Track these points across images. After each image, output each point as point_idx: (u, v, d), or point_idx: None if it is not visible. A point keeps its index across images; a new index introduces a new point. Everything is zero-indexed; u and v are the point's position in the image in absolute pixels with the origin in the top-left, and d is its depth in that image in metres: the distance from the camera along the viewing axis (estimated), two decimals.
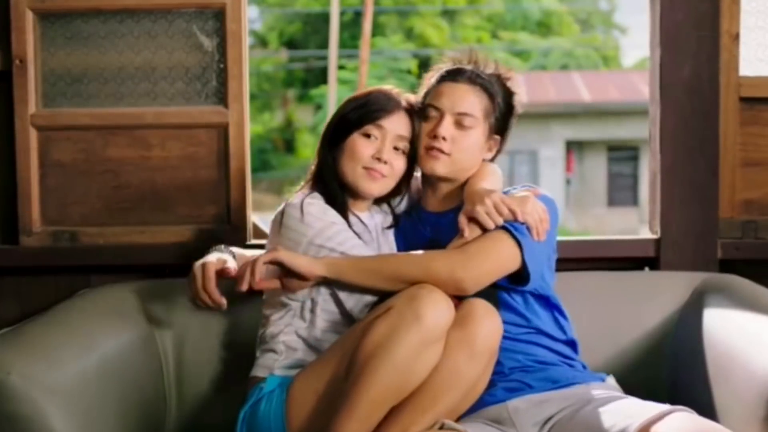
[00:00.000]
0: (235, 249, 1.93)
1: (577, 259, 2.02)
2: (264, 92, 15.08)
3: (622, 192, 15.90)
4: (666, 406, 1.57)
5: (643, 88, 13.66)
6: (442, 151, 1.84)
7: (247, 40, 2.34)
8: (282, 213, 1.81)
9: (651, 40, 2.35)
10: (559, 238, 1.96)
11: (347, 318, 1.79)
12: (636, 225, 14.54)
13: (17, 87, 2.28)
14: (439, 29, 15.79)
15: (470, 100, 1.87)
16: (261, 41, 16.03)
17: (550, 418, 1.73)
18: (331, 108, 12.61)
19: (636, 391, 1.80)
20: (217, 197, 2.31)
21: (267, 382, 1.76)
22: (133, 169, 2.31)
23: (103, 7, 2.28)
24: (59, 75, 2.31)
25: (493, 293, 1.80)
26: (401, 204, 2.01)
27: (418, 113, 1.89)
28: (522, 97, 1.95)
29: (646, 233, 2.41)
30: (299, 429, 1.71)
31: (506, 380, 1.78)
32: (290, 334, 1.81)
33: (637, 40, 22.12)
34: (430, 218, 1.93)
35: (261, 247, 2.03)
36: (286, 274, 1.74)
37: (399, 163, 1.87)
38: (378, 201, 1.95)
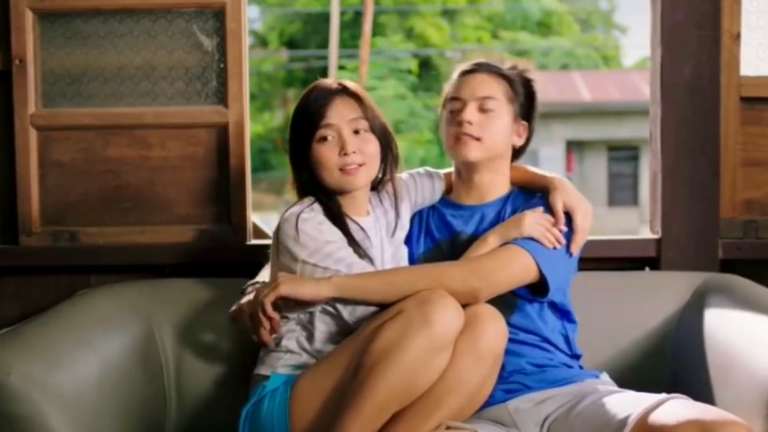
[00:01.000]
0: (259, 278, 1.91)
1: (578, 259, 2.00)
2: (264, 92, 15.07)
3: (622, 192, 15.90)
4: (662, 395, 1.58)
5: (643, 88, 13.68)
6: (472, 137, 1.84)
7: (247, 40, 2.34)
8: (278, 229, 1.78)
9: (652, 39, 2.35)
10: None
11: (346, 329, 1.76)
12: (636, 225, 14.55)
13: (17, 87, 2.28)
14: (439, 29, 15.78)
15: (491, 85, 1.87)
16: (261, 41, 16.03)
17: (548, 416, 1.74)
18: None
19: (636, 391, 1.78)
20: (217, 197, 2.30)
21: (271, 380, 1.75)
22: (133, 168, 2.31)
23: (102, 6, 2.28)
24: (59, 75, 2.30)
25: (512, 299, 1.81)
26: (428, 200, 2.00)
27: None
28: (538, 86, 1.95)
29: (646, 233, 2.40)
30: (302, 428, 1.69)
31: (505, 382, 1.79)
32: (292, 340, 1.80)
33: (637, 39, 22.13)
34: (464, 212, 1.93)
35: (261, 247, 2.03)
36: (295, 301, 1.71)
37: (369, 145, 1.82)
38: (374, 187, 1.93)
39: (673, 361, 2.07)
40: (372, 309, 1.73)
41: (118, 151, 2.31)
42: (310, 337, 1.79)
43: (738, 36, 2.29)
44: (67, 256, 2.30)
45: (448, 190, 2.01)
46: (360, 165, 1.81)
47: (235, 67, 2.27)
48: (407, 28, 15.82)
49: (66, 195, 2.31)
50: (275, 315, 1.70)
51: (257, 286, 1.83)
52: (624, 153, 15.89)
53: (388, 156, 1.89)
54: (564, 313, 1.89)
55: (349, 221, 1.83)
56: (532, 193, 1.91)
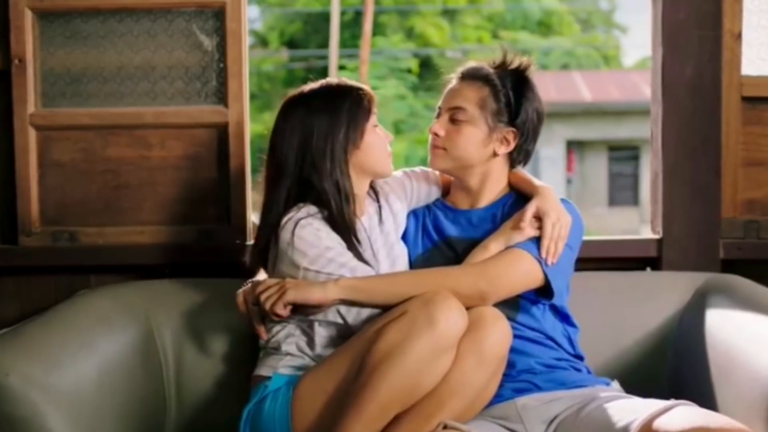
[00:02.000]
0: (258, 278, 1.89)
1: (579, 259, 2.00)
2: (265, 92, 15.08)
3: (622, 192, 15.91)
4: (669, 402, 1.58)
5: (643, 88, 13.68)
6: (438, 147, 1.90)
7: (247, 40, 2.33)
8: (277, 236, 1.77)
9: (653, 39, 2.34)
10: None
11: (347, 333, 1.75)
12: (637, 225, 14.55)
13: (16, 86, 2.27)
14: (439, 29, 15.78)
15: (463, 95, 1.88)
16: (261, 41, 16.03)
17: (557, 416, 1.74)
18: None
19: (638, 391, 1.80)
20: (217, 197, 2.30)
21: (273, 381, 1.75)
22: (132, 168, 2.30)
23: (102, 6, 2.27)
24: (58, 74, 2.30)
25: (516, 300, 1.82)
26: (423, 200, 2.00)
27: None
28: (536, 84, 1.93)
29: (647, 233, 2.40)
30: (304, 428, 1.69)
31: (514, 381, 1.79)
32: (291, 344, 1.80)
33: (637, 39, 22.14)
34: (457, 216, 1.94)
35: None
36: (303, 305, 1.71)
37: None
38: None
39: (674, 362, 2.07)
40: (377, 313, 1.72)
41: (117, 151, 2.30)
42: (311, 342, 1.78)
43: (739, 35, 2.28)
44: (66, 256, 2.30)
45: (446, 192, 2.01)
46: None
47: (235, 67, 2.27)
48: (407, 28, 15.82)
49: (66, 195, 2.31)
50: (284, 314, 1.70)
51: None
52: (624, 153, 15.89)
53: None
54: (564, 316, 1.90)
55: (357, 221, 1.83)
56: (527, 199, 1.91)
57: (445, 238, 1.93)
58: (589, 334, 1.99)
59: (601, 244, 2.32)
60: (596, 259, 2.27)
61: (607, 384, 1.85)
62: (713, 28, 2.26)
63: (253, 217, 2.35)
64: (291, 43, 15.99)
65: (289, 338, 1.79)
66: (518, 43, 15.97)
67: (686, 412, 1.54)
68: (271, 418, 1.71)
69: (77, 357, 1.75)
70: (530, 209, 1.79)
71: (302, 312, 1.73)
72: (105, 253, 2.29)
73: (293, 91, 1.88)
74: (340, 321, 1.75)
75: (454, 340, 1.62)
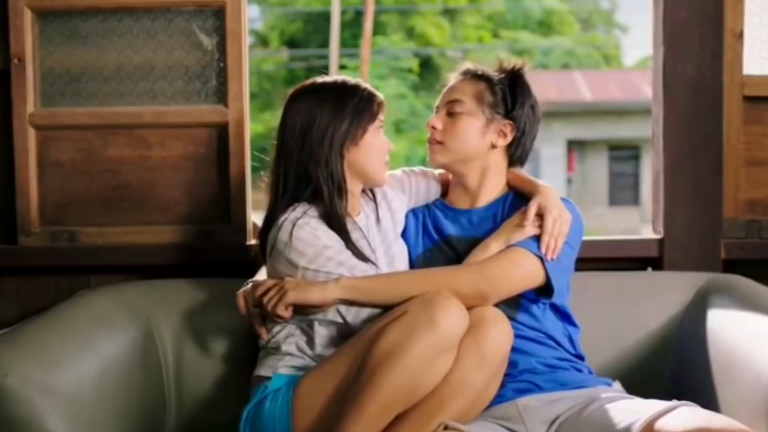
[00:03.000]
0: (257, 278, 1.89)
1: (580, 259, 2.00)
2: (265, 91, 15.09)
3: (623, 191, 15.92)
4: (671, 402, 1.58)
5: (644, 87, 13.69)
6: (436, 141, 1.90)
7: (247, 39, 2.33)
8: (276, 238, 1.76)
9: (654, 38, 2.34)
10: None
11: (347, 333, 1.75)
12: (637, 224, 14.56)
13: (15, 86, 2.27)
14: (440, 28, 15.79)
15: (460, 89, 1.91)
16: (262, 40, 16.03)
17: (558, 417, 1.73)
18: None
19: (639, 392, 1.80)
20: (217, 197, 2.29)
21: (273, 381, 1.75)
22: (132, 168, 2.30)
23: (101, 5, 2.27)
24: (58, 74, 2.30)
25: (517, 299, 1.82)
26: (422, 198, 2.00)
27: None
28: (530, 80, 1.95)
29: (648, 233, 2.39)
30: (304, 429, 1.69)
31: (516, 381, 1.79)
32: (291, 344, 1.79)
33: (638, 39, 22.16)
34: (457, 216, 1.94)
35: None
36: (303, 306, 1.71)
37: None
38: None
39: (675, 362, 2.07)
40: (377, 312, 1.72)
41: (117, 151, 2.30)
42: (310, 342, 1.78)
43: (741, 35, 2.28)
44: (66, 256, 2.29)
45: (445, 193, 2.01)
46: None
47: (235, 67, 2.26)
48: (408, 28, 15.83)
49: (65, 195, 2.30)
50: (286, 315, 1.70)
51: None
52: (625, 152, 15.90)
53: None
54: (564, 316, 1.89)
55: (348, 220, 1.82)
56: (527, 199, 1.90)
57: (445, 237, 1.93)
58: (590, 334, 1.99)
59: (603, 244, 2.32)
60: (597, 259, 2.27)
61: (609, 384, 1.84)
62: (714, 28, 2.26)
63: (253, 217, 2.34)
64: (291, 43, 15.99)
65: (288, 338, 1.79)
66: (519, 43, 16.00)
67: (688, 413, 1.53)
68: (271, 418, 1.71)
69: (77, 357, 1.74)
70: (532, 207, 1.79)
71: (302, 312, 1.73)
72: (105, 253, 2.29)
73: (307, 80, 1.89)
74: (339, 320, 1.74)
75: (454, 341, 1.61)
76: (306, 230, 1.74)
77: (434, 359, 1.59)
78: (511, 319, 1.76)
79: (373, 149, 1.83)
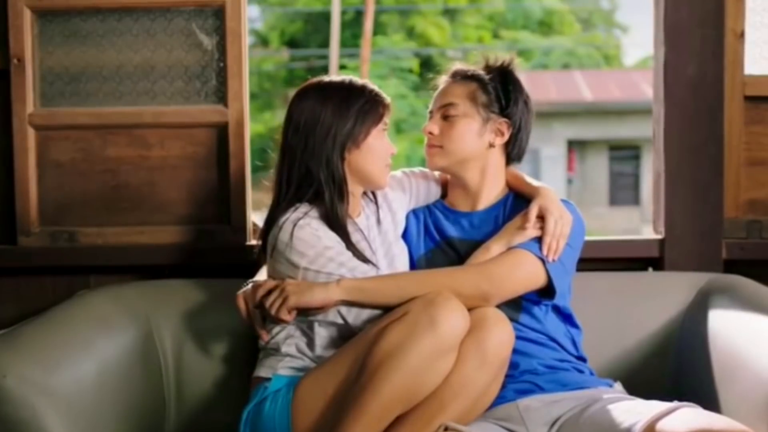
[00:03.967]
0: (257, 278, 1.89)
1: (581, 259, 2.00)
2: (265, 91, 15.09)
3: (623, 191, 15.91)
4: (672, 403, 1.58)
5: (644, 87, 13.67)
6: (434, 146, 1.90)
7: (246, 39, 2.33)
8: (276, 238, 1.76)
9: (655, 38, 2.33)
10: None
11: (347, 334, 1.75)
12: (638, 224, 14.54)
13: (15, 86, 2.27)
14: (440, 28, 15.79)
15: (452, 92, 1.91)
16: (262, 40, 16.02)
17: (559, 418, 1.73)
18: None
19: (640, 392, 1.80)
20: (217, 197, 2.29)
21: (273, 382, 1.75)
22: (132, 168, 2.30)
23: (101, 5, 2.27)
24: (57, 74, 2.29)
25: (519, 301, 1.82)
26: (423, 199, 2.00)
27: None
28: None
29: (648, 233, 2.39)
30: (305, 430, 1.69)
31: (517, 382, 1.78)
32: (291, 346, 1.79)
33: (638, 38, 22.17)
34: (458, 218, 1.94)
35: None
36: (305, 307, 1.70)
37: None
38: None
39: (676, 362, 2.06)
40: (377, 313, 1.71)
41: (117, 151, 2.30)
42: (310, 343, 1.78)
43: (742, 34, 2.28)
44: (65, 256, 2.29)
45: (445, 193, 2.01)
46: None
47: (235, 67, 2.26)
48: (408, 28, 15.82)
49: (65, 195, 2.30)
50: (289, 319, 1.70)
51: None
52: (625, 152, 15.89)
53: None
54: (566, 317, 1.89)
55: (349, 222, 1.82)
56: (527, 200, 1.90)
57: (446, 238, 1.93)
58: (591, 334, 1.99)
59: (603, 244, 2.32)
60: (598, 260, 2.26)
61: (610, 385, 1.84)
62: (715, 27, 2.25)
63: (254, 217, 2.34)
64: (291, 43, 15.99)
65: (288, 339, 1.79)
66: (519, 43, 15.99)
67: (689, 414, 1.54)
68: (271, 419, 1.70)
69: (76, 358, 1.74)
70: (533, 209, 1.79)
71: (303, 313, 1.73)
72: (104, 253, 2.29)
73: (314, 79, 1.89)
74: (340, 321, 1.74)
75: (455, 342, 1.61)
76: (307, 231, 1.74)
77: (435, 360, 1.59)
78: (513, 320, 1.76)
79: (375, 152, 1.83)
